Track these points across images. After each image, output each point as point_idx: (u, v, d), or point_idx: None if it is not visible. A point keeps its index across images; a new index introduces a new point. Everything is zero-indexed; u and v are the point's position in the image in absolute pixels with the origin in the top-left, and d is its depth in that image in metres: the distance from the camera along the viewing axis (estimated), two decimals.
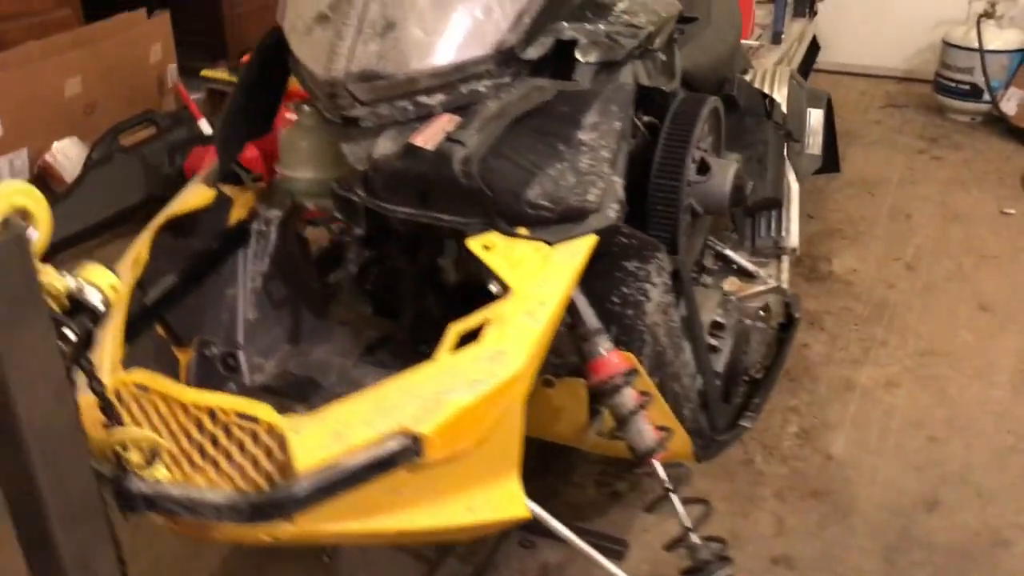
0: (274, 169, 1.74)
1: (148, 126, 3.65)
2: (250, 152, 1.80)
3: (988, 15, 4.04)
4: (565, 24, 1.57)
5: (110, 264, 1.09)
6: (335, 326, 1.79)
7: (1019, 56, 4.06)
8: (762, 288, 2.06)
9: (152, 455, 1.16)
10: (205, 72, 3.95)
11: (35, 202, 0.96)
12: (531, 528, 1.71)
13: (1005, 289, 3.03)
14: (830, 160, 2.78)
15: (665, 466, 1.55)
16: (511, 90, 1.48)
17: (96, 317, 1.03)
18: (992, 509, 2.22)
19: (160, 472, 1.18)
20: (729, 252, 2.14)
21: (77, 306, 1.03)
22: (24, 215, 0.96)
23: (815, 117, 2.61)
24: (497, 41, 1.47)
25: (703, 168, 1.82)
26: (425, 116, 1.46)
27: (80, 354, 1.04)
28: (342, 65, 1.43)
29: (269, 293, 1.70)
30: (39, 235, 0.97)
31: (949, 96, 4.21)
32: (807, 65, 3.57)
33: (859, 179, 3.73)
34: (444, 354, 1.30)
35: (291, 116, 1.72)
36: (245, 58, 4.11)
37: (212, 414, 1.23)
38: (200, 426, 1.23)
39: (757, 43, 3.03)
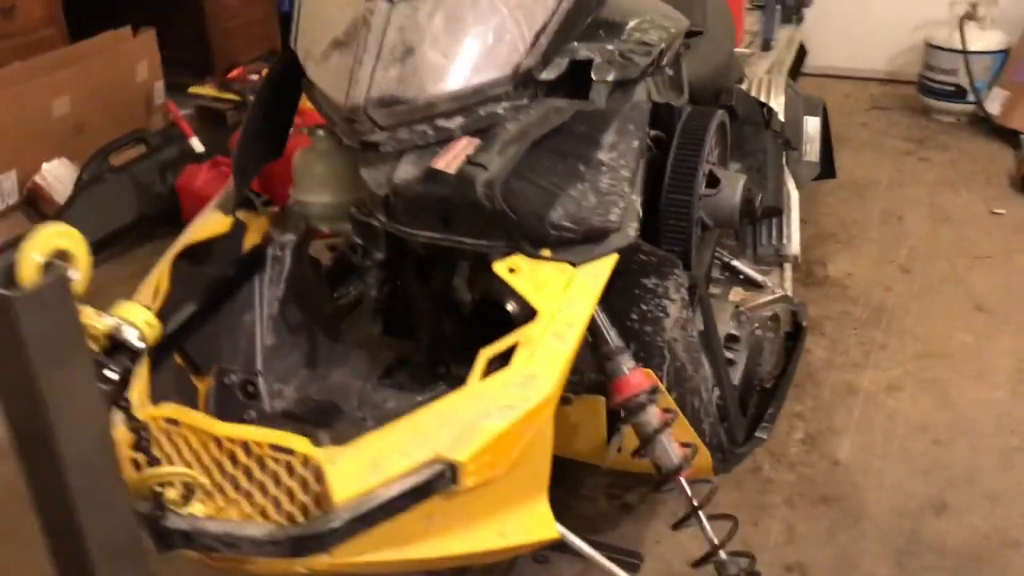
0: (283, 192, 1.73)
1: (138, 145, 3.62)
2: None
3: (970, 16, 4.09)
4: (578, 44, 1.57)
5: (111, 288, 1.08)
6: (350, 349, 1.79)
7: (1002, 57, 4.11)
8: (769, 297, 2.07)
9: (189, 491, 1.16)
10: (193, 89, 3.93)
11: (75, 243, 0.96)
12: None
13: (999, 289, 3.06)
14: (826, 166, 2.81)
15: (690, 482, 1.56)
16: (529, 111, 1.49)
17: (134, 355, 1.03)
18: (1000, 511, 2.24)
19: (196, 508, 1.17)
20: (736, 262, 2.15)
21: (115, 345, 1.03)
22: (64, 257, 0.95)
23: (812, 124, 2.63)
24: (515, 63, 1.47)
25: (712, 181, 1.83)
26: (444, 140, 1.46)
27: (120, 394, 1.03)
28: (362, 91, 1.42)
29: (285, 318, 1.69)
30: (79, 275, 0.97)
31: (934, 97, 4.25)
32: (795, 70, 3.60)
33: (849, 182, 3.75)
34: (475, 379, 1.30)
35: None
36: (233, 74, 4.13)
37: (246, 447, 1.22)
38: (234, 459, 1.22)
39: (749, 51, 3.05)
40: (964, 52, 4.06)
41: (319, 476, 1.20)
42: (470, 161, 1.41)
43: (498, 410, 1.26)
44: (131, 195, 3.50)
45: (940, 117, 4.29)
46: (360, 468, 1.20)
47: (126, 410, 1.05)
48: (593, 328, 1.49)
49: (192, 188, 3.41)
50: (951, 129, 4.25)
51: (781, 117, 2.53)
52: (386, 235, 1.51)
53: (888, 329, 2.91)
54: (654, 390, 1.51)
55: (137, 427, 1.07)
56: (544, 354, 1.32)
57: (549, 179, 1.42)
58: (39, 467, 0.97)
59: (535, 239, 1.41)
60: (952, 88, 4.17)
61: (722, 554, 1.54)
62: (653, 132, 1.78)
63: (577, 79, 1.55)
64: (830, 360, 2.78)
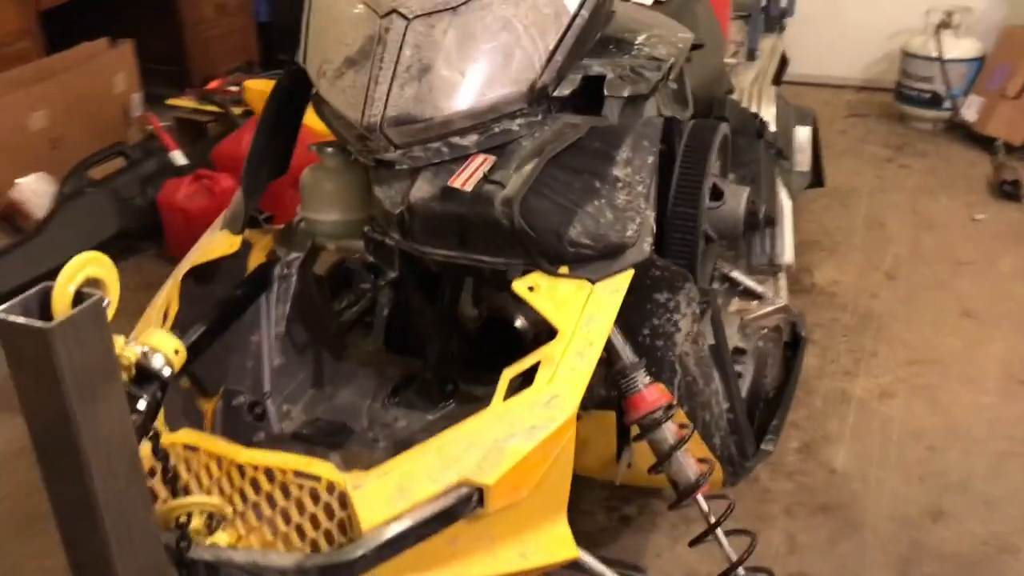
0: (285, 209, 1.71)
1: (117, 158, 3.57)
2: None
3: (945, 25, 4.14)
4: (590, 60, 1.57)
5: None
6: (355, 367, 1.77)
7: (976, 64, 4.16)
8: (770, 308, 2.08)
9: (213, 521, 1.13)
10: (172, 101, 3.88)
11: (106, 270, 0.93)
12: None
13: (985, 295, 3.09)
14: (816, 175, 2.82)
15: (706, 498, 1.56)
16: (544, 128, 1.48)
17: (162, 384, 1.00)
18: (996, 516, 2.26)
19: (220, 538, 1.15)
20: (735, 273, 2.15)
21: (143, 373, 1.00)
22: (96, 284, 0.93)
23: (802, 134, 2.64)
24: (531, 80, 1.46)
25: (716, 194, 1.83)
26: (460, 157, 1.45)
27: (148, 424, 1.00)
28: (379, 110, 1.41)
29: (292, 337, 1.67)
30: (109, 302, 0.94)
31: (911, 105, 4.30)
32: (777, 80, 3.62)
33: (831, 189, 3.77)
34: (499, 400, 1.29)
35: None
36: (212, 85, 4.08)
37: (269, 473, 1.20)
38: (256, 486, 1.20)
39: (735, 61, 3.07)
40: (940, 60, 4.11)
41: (344, 502, 1.18)
42: (487, 179, 1.40)
43: (523, 431, 1.25)
44: (112, 209, 3.45)
45: (917, 124, 4.34)
46: (387, 493, 1.19)
47: (154, 440, 1.02)
48: (608, 344, 1.48)
49: (174, 202, 3.36)
50: (928, 136, 4.30)
51: (773, 127, 2.54)
52: (399, 253, 1.49)
53: (877, 336, 2.93)
54: (670, 406, 1.51)
55: (163, 457, 1.04)
56: (566, 373, 1.32)
57: (566, 196, 1.41)
58: (69, 501, 0.95)
59: (553, 256, 1.41)
60: (929, 95, 4.22)
61: (740, 571, 1.54)
62: None
63: (589, 95, 1.54)
64: (822, 368, 2.79)
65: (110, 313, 0.95)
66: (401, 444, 1.56)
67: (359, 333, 1.95)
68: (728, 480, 1.79)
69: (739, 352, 1.91)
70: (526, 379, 1.33)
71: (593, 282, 1.41)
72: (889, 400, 2.66)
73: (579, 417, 1.63)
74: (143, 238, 3.52)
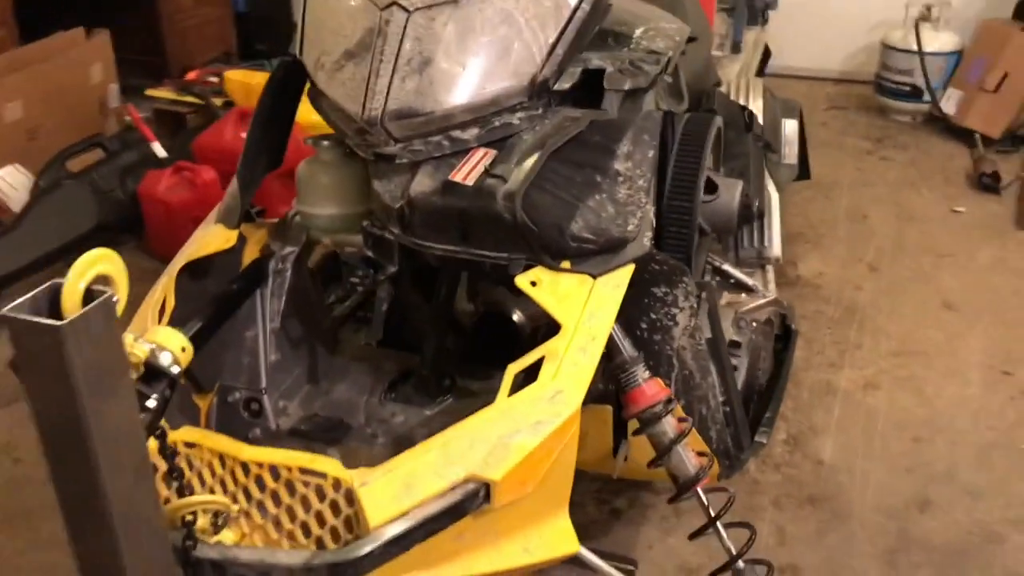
0: (278, 203, 1.69)
1: (95, 150, 3.52)
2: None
3: (924, 18, 4.17)
4: (589, 53, 1.56)
5: None
6: (349, 362, 1.75)
7: (955, 57, 4.20)
8: (761, 301, 2.09)
9: (218, 519, 1.12)
10: (150, 91, 3.84)
11: (114, 266, 0.91)
12: None
13: (966, 287, 3.13)
14: (802, 168, 2.84)
15: (705, 491, 1.56)
16: (544, 122, 1.47)
17: (172, 383, 0.99)
18: (982, 506, 2.28)
19: (226, 536, 1.14)
20: (727, 267, 2.16)
21: (151, 371, 0.99)
22: (105, 281, 0.91)
23: (789, 127, 2.66)
24: (531, 73, 1.46)
25: (710, 187, 1.83)
26: (460, 151, 1.44)
27: (156, 423, 0.99)
28: (379, 103, 1.40)
29: (287, 332, 1.65)
30: (119, 299, 0.93)
31: (891, 97, 4.34)
32: (760, 72, 3.64)
33: (814, 182, 3.78)
34: (503, 396, 1.29)
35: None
36: (191, 76, 4.03)
37: (274, 471, 1.18)
38: (261, 483, 1.18)
39: (720, 53, 3.07)
40: (919, 53, 4.14)
41: (351, 499, 1.17)
42: (488, 173, 1.39)
43: (528, 427, 1.25)
44: (90, 202, 3.40)
45: (897, 117, 4.37)
46: (393, 490, 1.18)
47: (161, 439, 1.01)
48: (608, 338, 1.48)
49: (154, 195, 3.31)
50: (908, 128, 4.33)
51: (760, 120, 2.55)
52: (398, 248, 1.48)
53: (861, 328, 2.96)
54: (669, 400, 1.51)
55: (170, 456, 1.03)
56: (570, 368, 1.31)
57: (568, 190, 1.41)
58: (78, 498, 0.93)
59: (555, 251, 1.40)
60: (908, 88, 4.25)
61: (740, 563, 1.54)
62: None
63: (588, 88, 1.54)
64: (807, 360, 2.81)
65: (120, 309, 0.93)
66: (400, 440, 1.56)
67: (351, 328, 1.94)
68: (724, 473, 1.80)
69: (734, 345, 1.91)
70: (529, 375, 1.32)
71: (595, 276, 1.41)
72: (874, 392, 2.68)
73: None
74: (123, 231, 3.47)
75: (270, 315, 1.62)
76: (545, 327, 1.69)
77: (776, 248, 2.46)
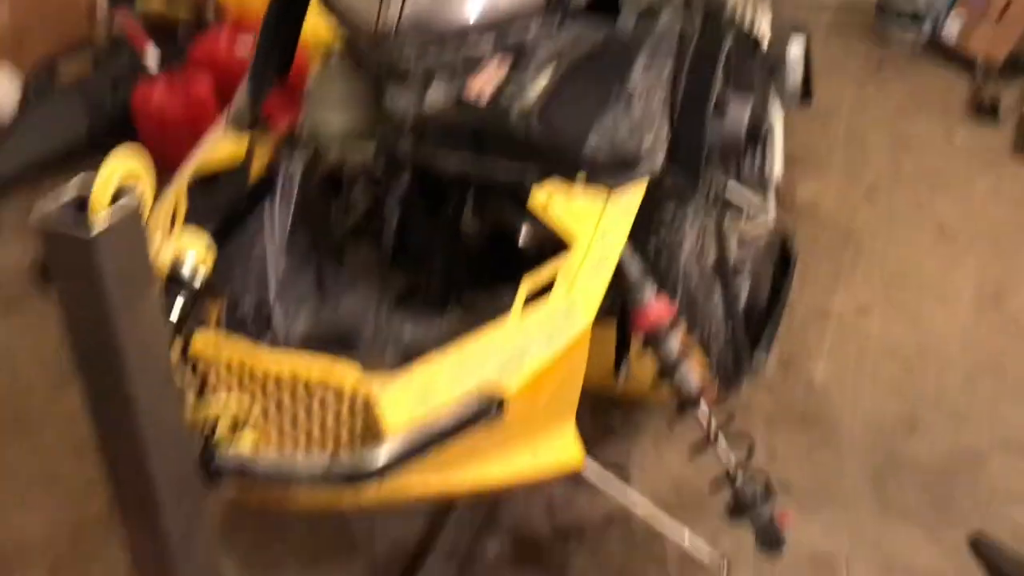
0: (285, 114, 1.67)
1: (85, 58, 3.46)
2: None
3: None
4: None
5: None
6: (357, 276, 1.76)
7: None
8: (763, 225, 2.09)
9: (238, 425, 1.14)
10: (141, 1, 3.75)
11: (141, 170, 0.91)
12: None
13: (961, 215, 3.14)
14: (805, 92, 2.82)
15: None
16: (560, 37, 1.46)
17: (195, 291, 0.99)
18: (968, 429, 2.34)
19: (245, 441, 1.15)
20: (732, 189, 2.15)
21: (175, 279, 0.99)
22: (131, 187, 0.90)
23: (795, 51, 2.63)
24: None
25: (719, 106, 1.82)
26: (474, 65, 1.42)
27: (180, 329, 1.00)
28: (394, 16, 1.37)
29: (295, 244, 1.65)
30: (146, 202, 0.92)
31: (891, 24, 4.28)
32: None
33: (812, 107, 3.78)
34: (517, 311, 1.30)
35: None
36: None
37: (292, 377, 1.20)
38: (279, 390, 1.20)
39: None
40: None
41: (368, 407, 1.19)
42: (503, 88, 1.38)
43: (542, 341, 1.27)
44: (81, 111, 3.35)
45: (897, 43, 4.32)
46: (410, 399, 1.20)
47: (185, 345, 1.02)
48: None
49: (147, 106, 3.27)
50: (908, 55, 4.29)
51: (766, 42, 2.52)
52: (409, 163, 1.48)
53: (857, 253, 2.98)
54: (675, 319, 1.52)
55: (192, 362, 1.04)
56: (583, 285, 1.33)
57: (583, 106, 1.40)
58: (107, 406, 0.94)
59: (569, 166, 1.40)
60: (909, 15, 4.19)
61: (739, 477, 1.58)
62: None
63: (603, 5, 1.52)
64: (801, 283, 2.81)
65: (146, 212, 0.93)
66: (408, 352, 1.57)
67: (356, 242, 1.94)
68: (722, 392, 1.83)
69: (737, 268, 1.92)
70: (545, 291, 1.33)
71: (608, 193, 1.41)
72: (867, 316, 2.72)
73: None
74: (115, 141, 3.42)
75: (279, 226, 1.62)
76: (552, 244, 1.70)
77: (778, 172, 2.46)
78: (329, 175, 1.97)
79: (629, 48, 1.47)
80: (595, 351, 1.72)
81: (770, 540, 1.63)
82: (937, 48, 4.23)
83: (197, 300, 1.00)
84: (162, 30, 3.76)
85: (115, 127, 3.38)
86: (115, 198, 0.87)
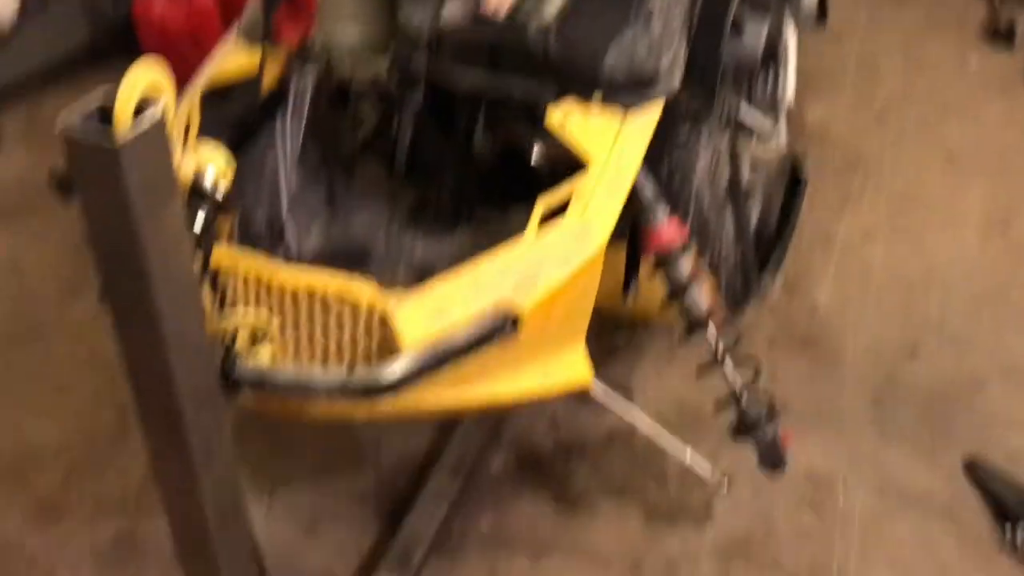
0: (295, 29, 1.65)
1: None
2: None
3: None
4: None
5: None
6: (368, 192, 1.76)
7: None
8: (775, 148, 2.09)
9: (259, 338, 1.15)
10: None
11: (161, 80, 0.90)
12: None
13: (970, 140, 3.12)
14: (820, 14, 2.77)
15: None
16: None
17: (216, 202, 0.99)
18: (968, 355, 2.36)
19: (264, 354, 1.17)
20: (745, 111, 2.14)
21: (196, 191, 0.99)
22: (153, 98, 0.90)
23: None
24: None
25: (736, 26, 1.80)
26: None
27: (202, 241, 1.00)
28: None
29: (306, 159, 1.65)
30: (166, 112, 0.92)
31: None
32: None
33: (826, 28, 3.72)
34: (532, 231, 1.30)
35: None
36: None
37: (310, 292, 1.21)
38: (296, 304, 1.21)
39: None
40: None
41: (384, 322, 1.21)
42: (520, 4, 1.36)
43: (557, 262, 1.28)
44: (82, 21, 3.30)
45: None
46: (426, 316, 1.21)
47: (206, 257, 1.02)
48: None
49: (150, 17, 3.20)
50: None
51: None
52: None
53: (864, 177, 2.96)
54: (687, 241, 1.53)
55: (212, 275, 1.05)
56: (597, 206, 1.33)
57: (601, 24, 1.39)
58: (132, 317, 0.96)
59: (586, 85, 1.39)
60: None
61: (744, 398, 1.61)
62: None
63: None
64: (808, 207, 2.80)
65: (169, 124, 0.93)
66: (420, 269, 1.58)
67: (366, 158, 1.93)
68: (729, 314, 1.84)
69: (749, 190, 1.92)
70: (560, 211, 1.34)
71: (625, 113, 1.40)
72: (872, 241, 2.72)
73: None
74: (116, 52, 3.37)
75: (290, 140, 1.61)
76: (565, 163, 1.69)
77: (791, 94, 2.44)
78: (339, 89, 1.96)
79: None
80: (604, 271, 1.73)
81: (772, 460, 1.67)
82: None
83: (217, 212, 1.00)
84: None
85: (117, 38, 3.33)
86: (137, 110, 0.87)
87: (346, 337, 1.22)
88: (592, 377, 1.49)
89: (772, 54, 1.86)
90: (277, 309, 1.22)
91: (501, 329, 1.24)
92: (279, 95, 1.61)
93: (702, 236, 1.66)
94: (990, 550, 1.88)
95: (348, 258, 1.58)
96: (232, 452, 1.09)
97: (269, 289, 1.23)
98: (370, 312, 1.21)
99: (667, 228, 1.51)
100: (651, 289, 1.68)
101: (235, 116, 1.54)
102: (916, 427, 2.16)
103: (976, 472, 2.02)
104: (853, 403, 2.23)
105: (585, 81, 1.38)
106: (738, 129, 2.17)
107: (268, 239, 1.60)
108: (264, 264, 1.25)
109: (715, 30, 1.68)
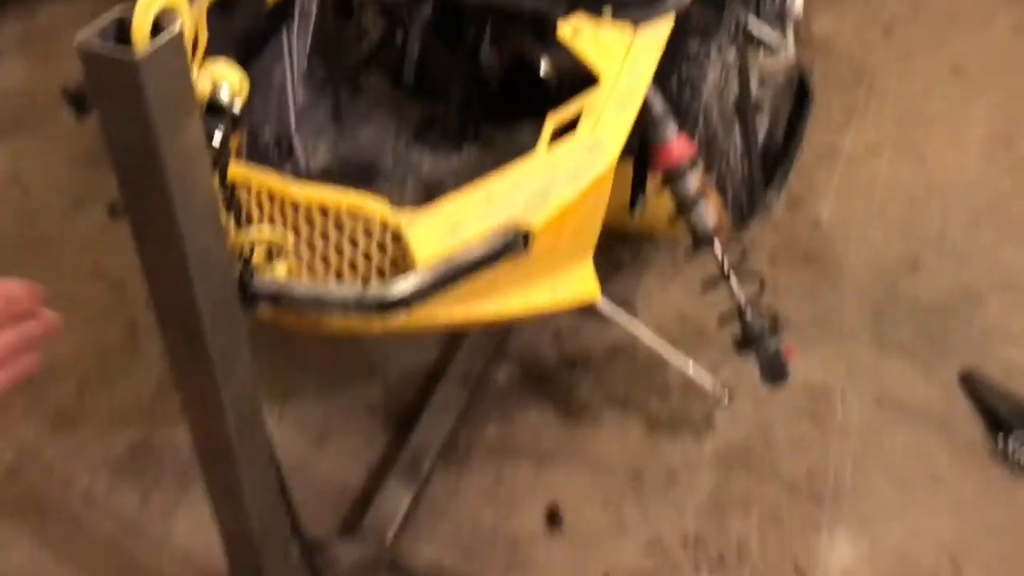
0: None
1: None
2: None
3: None
4: None
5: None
6: (374, 107, 1.75)
7: None
8: (783, 61, 2.07)
9: (275, 254, 1.16)
10: None
11: None
12: None
13: (978, 54, 3.09)
14: None
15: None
16: None
17: (233, 118, 1.00)
18: (967, 269, 2.38)
19: (280, 270, 1.19)
20: (753, 24, 2.11)
21: (213, 106, 1.00)
22: (171, 12, 0.89)
23: None
24: None
25: None
26: None
27: (219, 157, 1.01)
28: None
29: (313, 73, 1.63)
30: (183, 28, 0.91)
31: None
32: None
33: None
34: (543, 147, 1.31)
35: None
36: None
37: (323, 209, 1.22)
38: (310, 221, 1.22)
39: None
40: None
41: (397, 239, 1.22)
42: None
43: (567, 178, 1.28)
44: None
45: None
46: (439, 232, 1.23)
47: (223, 173, 1.03)
48: None
49: None
50: None
51: None
52: None
53: (869, 91, 2.95)
54: (695, 157, 1.53)
55: (229, 191, 1.06)
56: (608, 122, 1.33)
57: None
58: (152, 231, 0.97)
59: None
60: None
61: (748, 312, 1.63)
62: None
63: None
64: (813, 121, 2.81)
65: (186, 39, 0.92)
66: (429, 185, 1.59)
67: (370, 73, 1.91)
68: (735, 228, 1.86)
69: (757, 106, 1.91)
70: (571, 128, 1.34)
71: (635, 27, 1.39)
72: (876, 156, 2.72)
73: None
74: None
75: (297, 54, 1.60)
76: (572, 79, 1.68)
77: (799, 6, 2.40)
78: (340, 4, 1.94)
79: None
80: (612, 187, 1.74)
81: (775, 373, 1.70)
82: None
83: (233, 128, 1.01)
84: None
85: None
86: (154, 24, 0.87)
87: (359, 253, 1.23)
88: (599, 294, 1.51)
89: None
90: (290, 226, 1.23)
91: (512, 245, 1.25)
92: (284, 7, 1.59)
93: (710, 152, 1.66)
94: (982, 459, 1.93)
95: (356, 174, 1.58)
96: (251, 364, 1.12)
97: (281, 207, 1.24)
98: (383, 229, 1.23)
99: (676, 144, 1.51)
100: (657, 204, 1.69)
101: (241, 30, 1.52)
102: (914, 340, 2.20)
103: (971, 384, 2.06)
104: (852, 316, 2.26)
105: None
106: (747, 43, 2.15)
107: (277, 155, 1.60)
108: (274, 181, 1.25)
109: None
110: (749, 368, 1.86)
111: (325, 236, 1.23)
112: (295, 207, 1.23)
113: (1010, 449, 1.90)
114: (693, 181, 1.53)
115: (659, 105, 1.51)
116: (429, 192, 1.50)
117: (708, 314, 2.17)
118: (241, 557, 1.33)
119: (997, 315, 2.25)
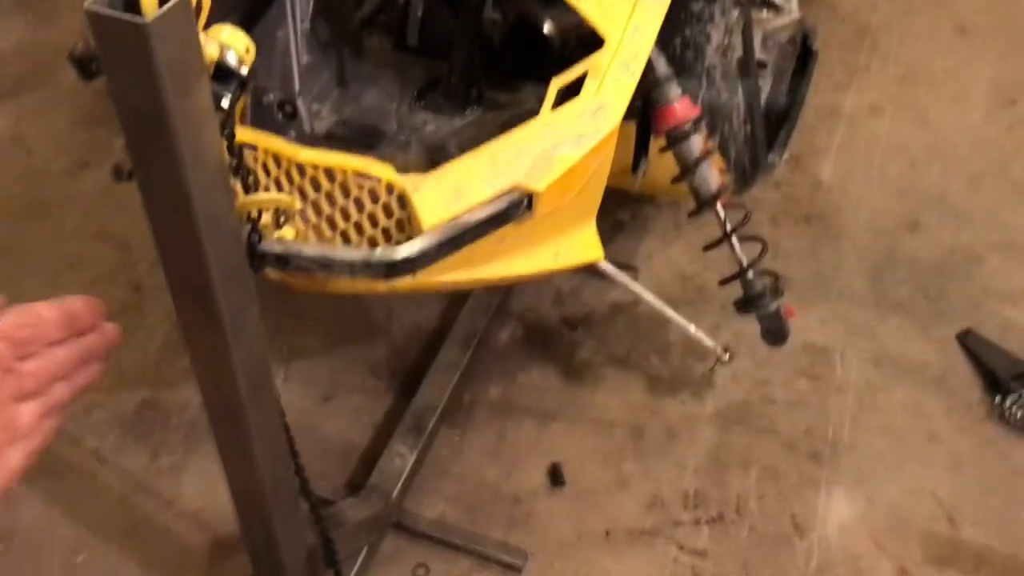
0: None
1: None
2: None
3: None
4: None
5: None
6: (377, 68, 1.75)
7: None
8: (786, 20, 2.06)
9: (283, 218, 1.18)
10: None
11: None
12: None
13: (981, 11, 3.07)
14: None
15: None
16: None
17: (242, 83, 1.00)
18: (967, 229, 2.39)
19: (287, 233, 1.20)
20: None
21: (220, 71, 1.00)
22: None
23: None
24: None
25: None
26: None
27: (227, 122, 1.02)
28: None
29: (316, 34, 1.63)
30: None
31: None
32: None
33: None
34: (547, 109, 1.31)
35: None
36: None
37: (329, 173, 1.23)
38: (316, 185, 1.23)
39: None
40: None
41: (403, 202, 1.23)
42: None
43: (571, 140, 1.29)
44: None
45: None
46: (444, 195, 1.24)
47: (230, 138, 1.04)
48: None
49: None
50: None
51: None
52: None
53: (872, 50, 2.94)
54: (699, 119, 1.54)
55: (238, 154, 1.07)
56: (612, 84, 1.33)
57: None
58: (162, 193, 0.98)
59: None
60: None
61: (750, 274, 1.65)
62: None
63: None
64: (814, 80, 2.79)
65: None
66: (432, 148, 1.59)
67: (371, 34, 1.91)
68: (736, 190, 1.87)
69: (761, 65, 1.91)
70: (575, 90, 1.34)
71: None
72: (878, 116, 2.72)
73: None
74: None
75: (300, 15, 1.60)
76: (575, 39, 1.68)
77: None
78: None
79: None
80: (615, 149, 1.75)
81: (776, 333, 1.72)
82: None
83: (241, 93, 1.02)
84: None
85: None
86: None
87: (365, 217, 1.25)
88: (603, 256, 1.52)
89: None
90: (296, 189, 1.24)
91: (517, 208, 1.26)
92: None
93: (713, 114, 1.66)
94: (979, 417, 1.96)
95: (360, 137, 1.59)
96: (260, 324, 1.13)
97: (288, 170, 1.25)
98: (389, 192, 1.24)
99: (679, 107, 1.52)
100: (659, 167, 1.70)
101: None
102: (913, 299, 2.22)
103: (969, 343, 2.08)
104: (852, 276, 2.28)
105: None
106: (751, 2, 2.15)
107: (281, 119, 1.60)
108: (282, 145, 1.26)
109: None
110: (749, 328, 1.89)
111: (331, 199, 1.24)
112: (301, 171, 1.24)
113: (1007, 407, 1.93)
114: (696, 143, 1.54)
115: (663, 67, 1.52)
116: (433, 155, 1.51)
117: (709, 274, 2.19)
118: (251, 514, 1.35)
119: (996, 275, 2.26)
